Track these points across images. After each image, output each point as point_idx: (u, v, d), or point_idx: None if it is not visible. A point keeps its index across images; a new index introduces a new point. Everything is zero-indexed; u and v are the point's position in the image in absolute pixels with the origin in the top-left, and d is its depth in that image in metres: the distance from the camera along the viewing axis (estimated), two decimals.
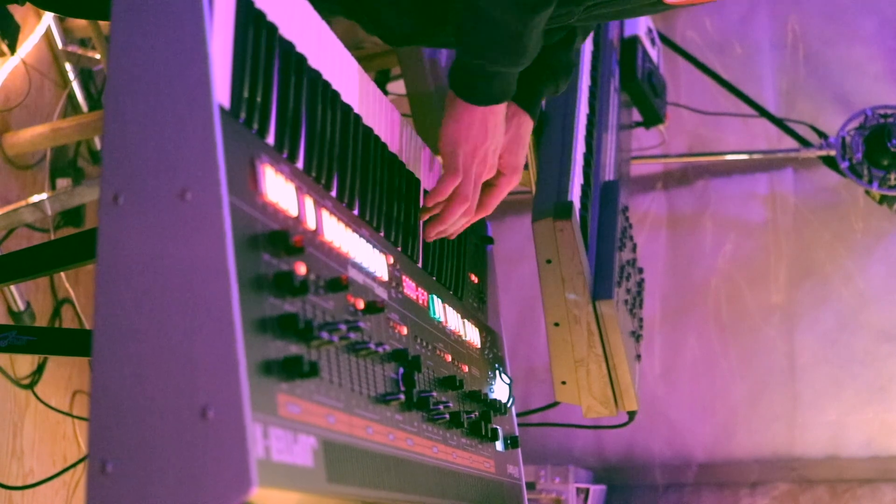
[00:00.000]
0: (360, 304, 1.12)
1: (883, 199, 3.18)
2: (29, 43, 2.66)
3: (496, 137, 1.42)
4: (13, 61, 2.60)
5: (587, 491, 3.18)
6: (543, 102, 1.83)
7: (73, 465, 2.46)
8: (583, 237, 1.91)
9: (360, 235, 1.20)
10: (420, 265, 1.45)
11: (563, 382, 1.99)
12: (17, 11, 2.54)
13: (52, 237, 2.69)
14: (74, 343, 1.53)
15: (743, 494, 3.32)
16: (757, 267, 3.48)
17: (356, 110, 1.27)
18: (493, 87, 1.36)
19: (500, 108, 1.40)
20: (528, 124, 1.58)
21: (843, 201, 3.40)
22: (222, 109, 0.90)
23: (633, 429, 2.22)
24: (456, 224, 1.46)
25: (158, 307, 0.83)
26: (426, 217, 1.45)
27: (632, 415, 2.11)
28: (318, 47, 1.18)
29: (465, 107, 1.37)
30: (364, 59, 2.36)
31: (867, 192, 3.23)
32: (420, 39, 1.53)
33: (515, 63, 1.34)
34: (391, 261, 1.30)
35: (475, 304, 1.71)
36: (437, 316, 1.45)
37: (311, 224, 1.05)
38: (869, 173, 3.12)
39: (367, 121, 1.31)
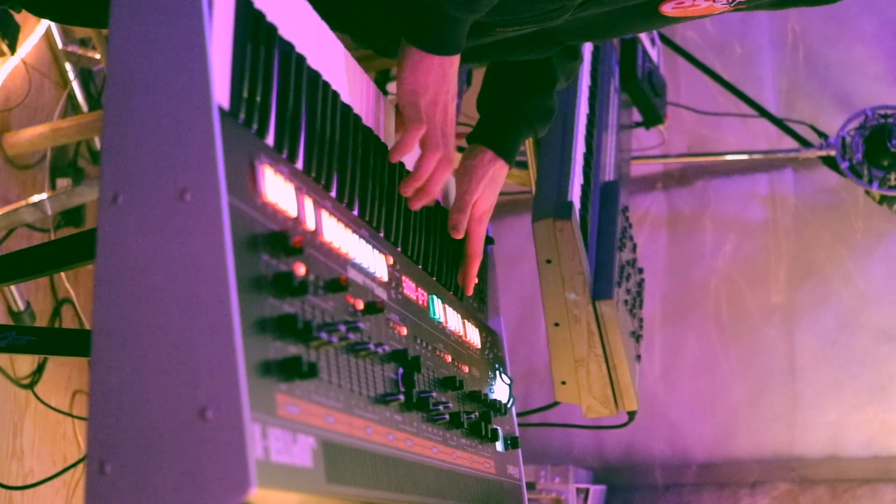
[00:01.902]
0: (360, 305, 1.12)
1: (883, 199, 3.18)
2: (29, 43, 2.66)
3: (454, 87, 1.40)
4: (13, 61, 2.60)
5: (587, 491, 3.18)
6: None
7: (73, 465, 2.47)
8: (583, 237, 1.91)
9: (360, 236, 1.20)
10: (420, 265, 1.45)
11: (563, 382, 1.99)
12: (17, 12, 2.54)
13: (52, 237, 2.69)
14: (74, 343, 1.52)
15: (743, 494, 3.32)
16: (757, 267, 3.48)
17: (356, 110, 1.27)
18: (447, 34, 1.33)
19: (456, 60, 1.38)
20: (504, 171, 1.61)
21: (843, 201, 3.40)
22: (222, 110, 0.90)
23: (633, 429, 2.22)
24: (434, 179, 1.41)
25: (157, 307, 0.83)
26: (406, 188, 1.39)
27: (632, 415, 2.11)
28: (317, 47, 1.18)
29: (421, 56, 1.34)
30: (364, 60, 2.36)
31: (867, 193, 3.23)
32: None
33: (470, 8, 1.32)
34: (391, 261, 1.30)
35: (475, 304, 1.71)
36: (436, 316, 1.45)
37: (310, 224, 1.05)
38: (869, 173, 3.13)
39: (367, 121, 1.31)
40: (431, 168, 1.39)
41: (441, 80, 1.36)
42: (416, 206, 1.41)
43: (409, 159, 1.48)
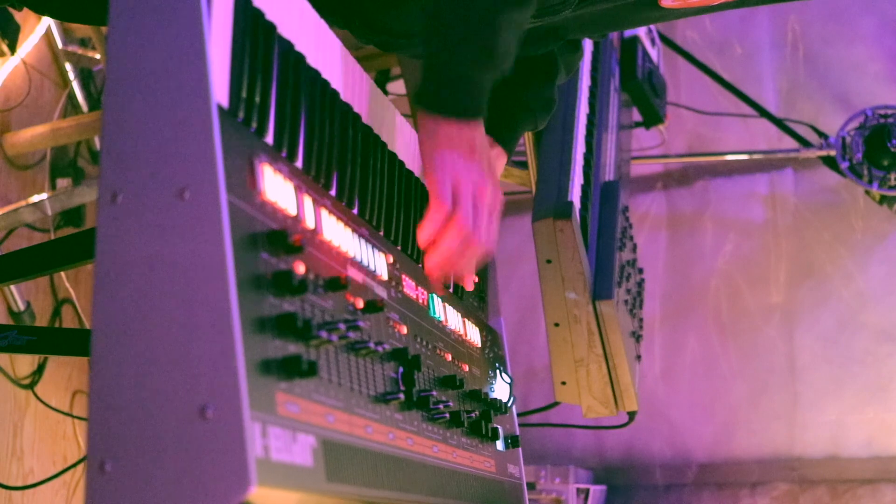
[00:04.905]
0: (360, 304, 1.12)
1: (883, 200, 3.18)
2: (29, 43, 2.66)
3: (484, 152, 1.29)
4: (13, 61, 2.60)
5: (587, 491, 3.18)
6: None
7: (73, 465, 2.47)
8: (583, 237, 1.91)
9: (360, 234, 1.20)
10: (420, 264, 1.45)
11: (563, 382, 1.99)
12: (17, 11, 2.54)
13: (52, 237, 2.69)
14: (74, 343, 1.52)
15: (743, 494, 3.32)
16: (757, 267, 3.48)
17: (355, 109, 1.27)
18: (465, 94, 1.25)
19: (480, 126, 1.29)
20: (502, 159, 1.57)
21: (843, 201, 3.40)
22: (221, 108, 0.90)
23: (633, 429, 2.22)
24: (462, 261, 1.28)
25: (157, 306, 0.83)
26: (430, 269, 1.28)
27: (632, 415, 2.11)
28: (316, 46, 1.18)
29: (439, 122, 1.25)
30: (364, 59, 2.36)
31: (867, 193, 3.23)
32: (410, 45, 1.53)
33: (486, 64, 1.25)
34: (391, 260, 1.30)
35: (475, 304, 1.71)
36: (437, 315, 1.45)
37: (310, 223, 1.05)
38: (869, 173, 3.12)
39: (367, 119, 1.31)
40: (455, 248, 1.26)
41: (468, 146, 1.26)
42: (438, 280, 1.30)
43: (408, 155, 1.48)
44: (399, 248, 1.37)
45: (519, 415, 1.78)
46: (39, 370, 2.61)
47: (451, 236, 1.25)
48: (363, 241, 1.20)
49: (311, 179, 1.10)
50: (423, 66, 1.27)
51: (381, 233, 1.31)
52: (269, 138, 1.02)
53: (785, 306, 3.42)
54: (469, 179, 1.26)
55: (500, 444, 1.56)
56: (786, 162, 3.50)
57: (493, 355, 1.69)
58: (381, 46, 1.55)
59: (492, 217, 1.29)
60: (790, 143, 3.38)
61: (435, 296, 1.46)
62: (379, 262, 1.24)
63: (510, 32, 1.26)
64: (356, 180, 1.23)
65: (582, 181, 2.05)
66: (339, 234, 1.12)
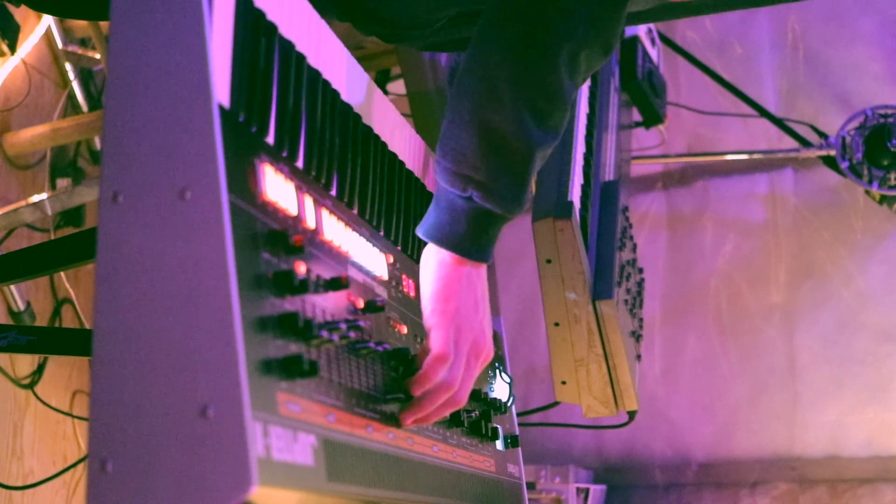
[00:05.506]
0: (360, 303, 1.12)
1: (883, 199, 3.18)
2: (29, 43, 2.66)
3: (486, 302, 1.25)
4: (13, 61, 2.60)
5: (587, 491, 3.18)
6: None
7: (73, 465, 2.47)
8: (583, 237, 1.91)
9: (360, 234, 1.20)
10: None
11: (563, 382, 1.99)
12: (17, 11, 2.54)
13: (52, 237, 2.70)
14: (74, 343, 1.52)
15: (743, 494, 3.32)
16: (757, 267, 3.48)
17: (356, 109, 1.27)
18: (489, 239, 1.20)
19: (485, 271, 1.25)
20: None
21: (843, 201, 3.40)
22: (222, 109, 0.90)
23: (633, 429, 2.22)
24: (436, 416, 1.21)
25: (158, 306, 0.83)
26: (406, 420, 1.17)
27: (632, 415, 2.11)
28: (317, 47, 1.18)
29: (453, 264, 1.21)
30: (364, 59, 2.36)
31: (867, 192, 3.23)
32: (413, 37, 1.52)
33: (519, 208, 1.20)
34: (391, 260, 1.30)
35: None
36: None
37: (310, 223, 1.05)
38: (869, 173, 3.13)
39: (367, 120, 1.31)
40: (436, 405, 1.19)
41: (476, 300, 1.23)
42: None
43: (408, 156, 1.48)
44: (399, 248, 1.37)
45: (519, 414, 1.78)
46: (39, 370, 2.61)
47: (439, 394, 1.19)
48: (363, 241, 1.20)
49: (312, 180, 1.11)
50: (446, 201, 1.22)
51: (382, 233, 1.31)
52: (271, 138, 1.02)
53: (785, 306, 3.42)
54: (471, 335, 1.22)
55: (499, 444, 1.56)
56: (786, 162, 3.51)
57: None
58: (384, 38, 1.55)
59: (478, 371, 1.25)
60: (790, 142, 3.38)
61: None
62: (379, 262, 1.24)
63: (539, 166, 1.22)
64: (356, 180, 1.24)
65: (582, 181, 2.05)
66: (339, 234, 1.12)
